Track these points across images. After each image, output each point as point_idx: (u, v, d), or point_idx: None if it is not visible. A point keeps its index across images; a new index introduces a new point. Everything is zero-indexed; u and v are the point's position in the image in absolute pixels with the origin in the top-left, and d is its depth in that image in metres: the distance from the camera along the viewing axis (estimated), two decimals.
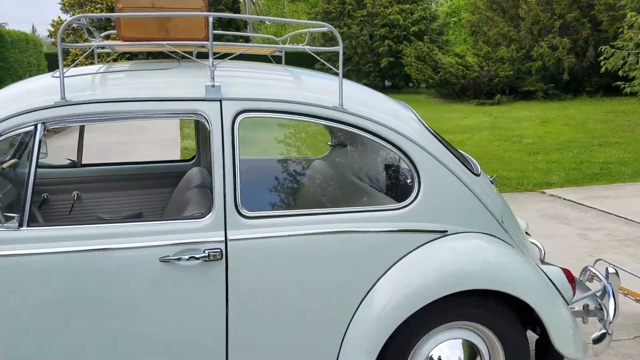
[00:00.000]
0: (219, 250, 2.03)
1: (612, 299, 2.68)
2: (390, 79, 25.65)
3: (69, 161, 3.02)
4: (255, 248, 2.12)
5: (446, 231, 2.40)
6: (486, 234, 2.52)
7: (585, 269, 3.14)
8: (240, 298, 2.11)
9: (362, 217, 2.28)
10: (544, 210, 6.49)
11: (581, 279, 3.19)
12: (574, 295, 2.65)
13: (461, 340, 2.45)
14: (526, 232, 3.28)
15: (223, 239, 2.07)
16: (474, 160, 2.94)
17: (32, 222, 2.04)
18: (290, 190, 2.95)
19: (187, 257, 1.99)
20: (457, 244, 2.41)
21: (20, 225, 1.94)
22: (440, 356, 2.41)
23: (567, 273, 2.62)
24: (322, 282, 2.20)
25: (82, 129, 2.98)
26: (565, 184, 7.85)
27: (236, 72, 2.44)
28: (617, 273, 2.86)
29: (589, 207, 6.58)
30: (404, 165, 2.41)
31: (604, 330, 2.60)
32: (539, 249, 3.49)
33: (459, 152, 3.02)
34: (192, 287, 2.03)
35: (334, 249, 2.20)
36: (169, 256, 1.99)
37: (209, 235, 2.05)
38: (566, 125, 13.29)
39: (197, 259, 2.02)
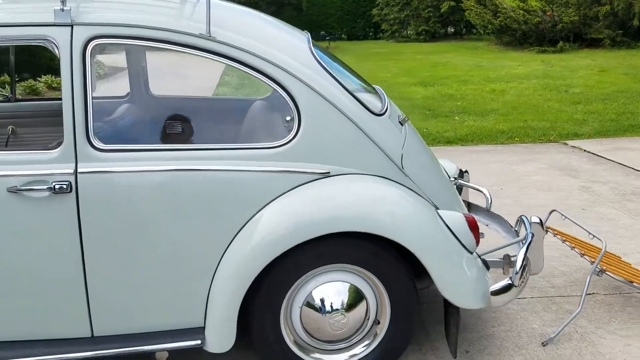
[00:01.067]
0: (67, 183, 2.05)
1: (522, 249, 2.55)
2: (452, 25, 24.65)
3: (3, 96, 3.13)
4: (108, 182, 2.09)
5: (328, 172, 2.32)
6: (378, 176, 2.42)
7: (519, 218, 3.00)
8: (94, 232, 2.10)
9: (232, 154, 2.22)
10: (557, 161, 6.16)
11: (516, 228, 3.05)
12: (477, 244, 2.54)
13: (348, 284, 2.40)
14: (456, 178, 3.14)
15: (72, 171, 2.07)
16: (387, 99, 2.80)
17: None
18: (159, 126, 2.88)
19: (35, 188, 2.03)
20: (337, 186, 2.32)
21: None
22: (323, 298, 2.38)
23: (470, 220, 2.50)
24: (185, 221, 2.17)
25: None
26: (594, 136, 7.40)
27: None
28: (541, 223, 2.71)
29: (608, 159, 6.18)
30: (284, 101, 2.29)
31: (509, 281, 2.49)
32: (486, 197, 3.35)
33: (369, 88, 2.89)
34: (41, 219, 2.06)
35: (197, 187, 2.15)
36: (16, 187, 2.04)
37: (58, 168, 2.06)
38: (625, 75, 12.39)
39: (45, 190, 2.05)
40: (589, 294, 3.29)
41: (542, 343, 2.81)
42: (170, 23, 2.19)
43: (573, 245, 3.17)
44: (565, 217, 3.27)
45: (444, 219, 2.44)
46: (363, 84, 2.87)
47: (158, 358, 2.25)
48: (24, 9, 2.23)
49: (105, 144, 2.11)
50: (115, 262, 2.16)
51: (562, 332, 2.88)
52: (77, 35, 2.06)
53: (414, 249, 2.28)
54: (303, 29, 2.85)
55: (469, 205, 3.52)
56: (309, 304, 2.36)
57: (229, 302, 2.19)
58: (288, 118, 2.28)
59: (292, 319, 2.37)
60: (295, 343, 2.39)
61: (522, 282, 2.61)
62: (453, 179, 3.17)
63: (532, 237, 2.66)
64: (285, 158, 2.25)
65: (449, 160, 3.21)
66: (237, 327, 2.25)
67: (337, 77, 2.41)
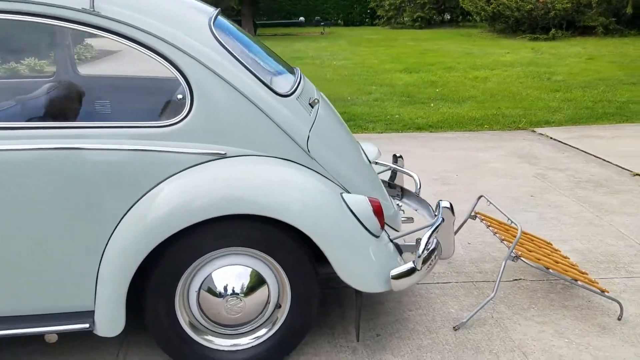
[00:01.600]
0: None
1: (427, 233, 2.53)
2: (448, 12, 24.47)
3: None
4: None
5: (225, 154, 2.30)
6: (280, 158, 2.40)
7: (438, 203, 2.99)
8: None
9: (117, 133, 2.17)
10: (520, 149, 6.13)
11: (436, 213, 3.03)
12: (382, 228, 2.52)
13: (249, 268, 2.37)
14: (377, 162, 3.12)
15: None
16: (301, 81, 2.77)
17: None
18: (33, 103, 2.76)
19: None
20: (233, 168, 2.30)
21: None
22: (221, 282, 2.35)
23: (374, 204, 2.48)
24: (68, 201, 2.15)
25: None
26: (565, 123, 7.36)
27: None
28: (451, 208, 2.70)
29: (572, 146, 6.15)
30: (175, 78, 2.25)
31: (412, 265, 2.48)
32: (415, 182, 3.33)
33: (283, 69, 2.86)
34: None
35: (79, 166, 2.13)
36: None
37: None
38: (611, 63, 12.30)
39: None
40: (516, 279, 3.29)
41: (454, 327, 2.81)
42: None
43: (495, 230, 3.15)
44: (490, 203, 3.26)
45: (347, 203, 2.42)
46: (277, 65, 2.84)
47: (47, 340, 2.25)
48: None
49: None
50: None
51: (477, 317, 2.88)
52: None
53: (309, 232, 2.27)
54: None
55: (402, 191, 3.51)
56: (207, 288, 2.34)
57: (116, 283, 2.18)
58: (179, 96, 2.25)
59: (190, 302, 2.35)
60: (192, 326, 2.38)
61: (430, 265, 2.61)
62: (375, 163, 3.14)
63: (440, 222, 2.65)
64: (177, 138, 2.23)
65: (372, 144, 3.19)
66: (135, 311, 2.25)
67: (237, 56, 2.37)
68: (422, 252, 2.47)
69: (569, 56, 13.65)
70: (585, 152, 5.93)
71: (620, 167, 5.39)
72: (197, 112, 2.26)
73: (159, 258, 2.24)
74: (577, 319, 2.90)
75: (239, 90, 2.31)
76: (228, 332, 2.42)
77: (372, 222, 2.45)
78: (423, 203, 3.28)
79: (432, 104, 8.63)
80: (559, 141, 6.41)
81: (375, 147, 3.14)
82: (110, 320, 2.21)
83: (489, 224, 3.25)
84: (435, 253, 2.68)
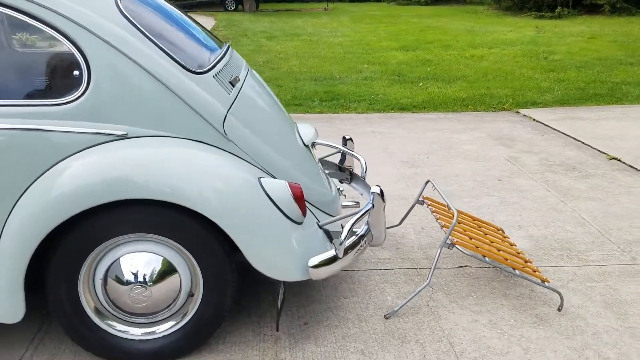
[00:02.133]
0: None
1: (351, 220, 2.44)
2: None
3: None
4: None
5: (126, 134, 2.22)
6: (189, 139, 2.31)
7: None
8: None
9: (6, 112, 2.10)
10: (498, 130, 5.99)
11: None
12: (304, 214, 2.43)
13: (159, 256, 2.29)
14: (314, 144, 3.02)
15: None
16: (226, 58, 2.66)
17: None
18: None
19: None
20: (133, 150, 2.21)
21: None
22: (129, 269, 2.27)
23: (294, 189, 2.39)
24: None
25: None
26: (553, 104, 7.19)
27: None
28: (381, 194, 2.60)
29: (553, 129, 6.00)
30: (71, 54, 2.15)
31: (333, 253, 2.40)
32: (361, 166, 3.24)
33: (207, 44, 2.76)
34: None
35: None
36: None
37: None
38: (613, 42, 12.01)
39: None
40: (461, 266, 3.20)
41: (385, 316, 2.73)
42: None
43: (438, 216, 3.06)
44: (435, 188, 3.16)
45: (265, 188, 2.33)
46: (202, 41, 2.73)
47: None
48: None
49: None
50: None
51: (411, 306, 2.81)
52: None
53: (214, 217, 2.18)
54: None
55: (352, 175, 3.42)
56: (113, 275, 2.27)
57: (12, 267, 2.12)
58: (76, 73, 2.16)
59: (95, 288, 2.29)
60: (98, 312, 2.32)
61: (358, 252, 2.53)
62: (311, 145, 3.04)
63: (368, 208, 2.56)
64: (73, 117, 2.14)
65: (309, 125, 3.08)
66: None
67: (145, 30, 2.26)
68: (344, 239, 2.38)
69: (571, 35, 13.35)
70: (565, 134, 5.79)
71: (598, 150, 5.25)
72: (95, 89, 2.16)
73: (61, 241, 2.17)
74: (515, 308, 2.81)
75: (142, 66, 2.20)
76: (139, 320, 2.36)
77: (292, 208, 2.36)
78: (368, 188, 3.19)
79: (420, 84, 8.47)
80: (541, 123, 6.26)
81: (313, 128, 3.04)
82: (8, 306, 2.15)
83: (433, 209, 3.15)
84: (365, 239, 2.61)
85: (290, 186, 2.38)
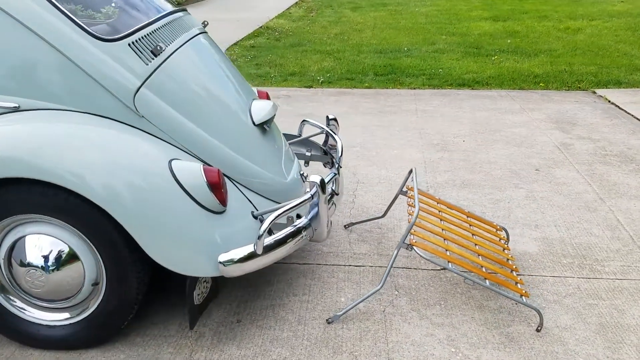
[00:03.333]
0: None
1: (275, 212, 2.15)
2: None
3: None
4: None
5: (17, 106, 2.06)
6: (91, 114, 2.12)
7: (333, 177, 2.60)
8: None
9: None
10: (560, 112, 5.31)
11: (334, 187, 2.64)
12: (221, 202, 2.17)
13: (60, 241, 2.13)
14: (266, 123, 2.70)
15: None
16: (147, 23, 2.38)
17: None
18: None
19: None
20: (18, 124, 2.04)
21: None
22: (28, 251, 2.13)
23: (209, 175, 2.12)
24: None
25: None
26: (638, 85, 6.28)
27: None
28: (321, 185, 2.27)
29: (627, 112, 5.23)
30: None
31: (252, 249, 2.13)
32: (336, 149, 2.93)
33: (132, 5, 2.51)
34: None
35: None
36: None
37: None
38: None
39: None
40: (444, 269, 2.79)
41: (327, 320, 2.43)
42: None
43: (409, 212, 2.67)
44: (413, 179, 2.76)
45: (174, 171, 2.10)
46: (131, 3, 2.50)
47: None
48: None
49: None
50: None
51: (366, 310, 2.49)
52: None
53: (100, 202, 1.98)
54: None
55: (332, 161, 3.07)
56: (14, 256, 2.16)
57: None
58: None
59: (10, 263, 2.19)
60: (2, 289, 2.22)
61: (289, 248, 2.25)
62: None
63: (303, 200, 2.25)
64: None
65: (268, 102, 2.74)
66: None
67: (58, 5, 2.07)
68: (262, 234, 2.10)
69: None
70: (639, 119, 5.00)
71: None
72: None
73: None
74: (485, 324, 2.40)
75: (36, 32, 2.02)
76: (45, 305, 2.23)
77: (206, 196, 2.11)
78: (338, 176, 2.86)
79: (495, 57, 7.76)
80: (616, 105, 5.47)
81: (269, 105, 2.70)
82: None
83: (411, 202, 2.76)
84: (304, 235, 2.31)
85: (204, 170, 2.12)
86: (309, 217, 2.31)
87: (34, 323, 2.24)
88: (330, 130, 3.04)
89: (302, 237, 2.30)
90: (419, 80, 6.65)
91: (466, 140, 4.61)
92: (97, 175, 1.99)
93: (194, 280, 2.17)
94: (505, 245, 2.78)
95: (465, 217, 2.89)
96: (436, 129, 4.89)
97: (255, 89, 3.13)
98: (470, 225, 2.82)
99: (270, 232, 2.31)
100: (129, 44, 2.19)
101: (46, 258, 2.14)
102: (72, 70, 2.07)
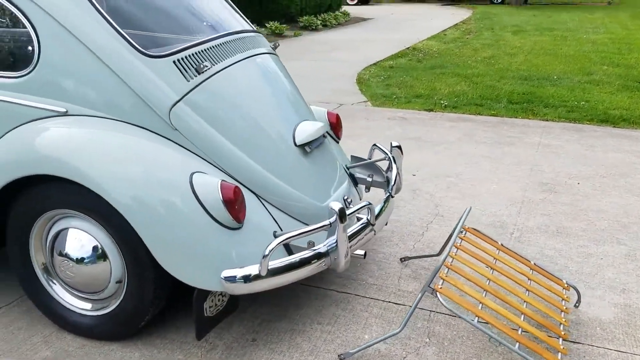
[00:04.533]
0: None
1: (283, 236, 2.11)
2: None
3: None
4: None
5: (66, 111, 2.24)
6: (129, 123, 2.24)
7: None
8: None
9: None
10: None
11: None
12: (237, 218, 2.17)
13: (93, 238, 2.27)
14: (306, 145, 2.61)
15: None
16: (199, 42, 2.44)
17: None
18: None
19: None
20: (63, 128, 2.21)
21: None
22: (68, 242, 2.31)
23: (225, 191, 2.13)
24: None
25: None
26: None
27: None
28: (340, 213, 2.19)
29: None
30: (27, 31, 2.23)
31: (256, 271, 2.10)
32: (389, 178, 2.81)
33: (191, 22, 2.59)
34: None
35: None
36: None
37: None
38: None
39: None
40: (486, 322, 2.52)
41: (339, 355, 2.31)
42: None
43: (453, 255, 2.45)
44: (464, 217, 2.53)
45: (194, 185, 2.15)
46: (190, 21, 2.61)
47: None
48: None
49: None
50: None
51: (386, 352, 2.32)
52: None
53: (117, 205, 2.08)
54: None
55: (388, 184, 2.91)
56: (56, 245, 2.34)
57: None
58: (29, 49, 2.25)
59: (45, 254, 2.39)
60: (46, 271, 2.42)
61: (300, 273, 2.19)
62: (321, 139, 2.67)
63: (318, 227, 2.17)
64: (25, 90, 2.25)
65: (316, 123, 2.65)
66: None
67: (102, 11, 2.23)
68: (267, 255, 2.06)
69: None
70: None
71: None
72: (43, 65, 2.23)
73: (13, 206, 2.32)
74: None
75: (87, 45, 2.19)
76: (79, 294, 2.40)
77: (220, 211, 2.13)
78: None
79: None
80: None
81: (316, 126, 2.61)
82: None
83: (459, 244, 2.53)
84: (321, 261, 2.23)
85: (221, 186, 2.14)
86: (327, 245, 2.22)
87: (67, 308, 2.42)
88: (393, 157, 2.91)
89: (318, 263, 2.22)
90: (556, 112, 6.11)
91: (582, 183, 4.13)
92: (118, 181, 2.10)
93: (204, 291, 2.18)
94: (564, 307, 2.43)
95: (527, 269, 2.58)
96: (552, 167, 4.45)
97: (325, 110, 3.11)
98: (528, 280, 2.51)
99: (290, 253, 2.27)
100: (174, 61, 2.29)
101: (79, 252, 2.30)
102: (115, 82, 2.21)
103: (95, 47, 2.20)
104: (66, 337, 2.44)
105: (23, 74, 2.26)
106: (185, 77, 2.30)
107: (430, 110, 6.25)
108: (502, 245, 2.65)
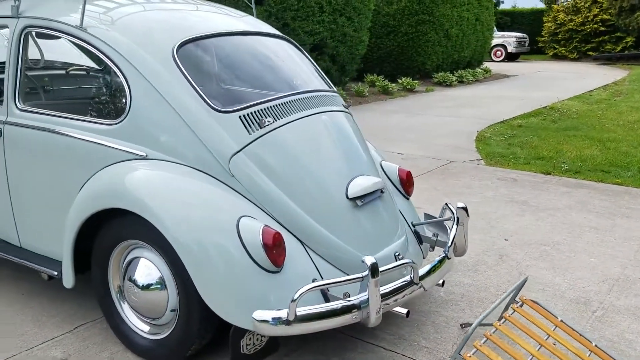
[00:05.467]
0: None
1: (310, 285, 2.20)
2: None
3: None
4: (14, 132, 2.84)
5: (145, 155, 2.54)
6: (195, 169, 2.50)
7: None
8: (10, 170, 2.91)
9: (83, 126, 2.68)
10: None
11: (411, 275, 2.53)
12: (275, 263, 2.31)
13: (159, 272, 2.51)
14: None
15: (3, 120, 2.90)
16: (267, 99, 2.67)
17: None
18: (51, 94, 3.44)
19: None
20: (141, 170, 2.50)
21: None
22: (136, 270, 2.57)
23: (266, 236, 2.28)
24: (52, 170, 2.77)
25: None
26: None
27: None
28: (372, 268, 2.23)
29: None
30: (122, 85, 2.60)
31: (284, 316, 2.20)
32: (448, 237, 2.80)
33: (266, 83, 2.80)
34: None
35: (55, 144, 2.74)
36: None
37: None
38: None
39: None
40: None
41: None
42: (56, 14, 2.78)
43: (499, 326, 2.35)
44: (517, 287, 2.43)
45: (239, 228, 2.34)
46: (266, 82, 2.83)
47: (43, 277, 2.96)
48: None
49: (23, 104, 2.90)
50: (22, 191, 2.92)
51: None
52: (18, 25, 2.88)
53: (173, 242, 2.30)
54: None
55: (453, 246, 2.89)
56: (129, 271, 2.61)
57: (66, 242, 2.68)
58: (123, 101, 2.60)
59: (121, 281, 2.67)
60: (119, 294, 2.69)
61: (330, 323, 2.26)
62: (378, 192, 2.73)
63: (349, 279, 2.24)
64: (115, 135, 2.60)
65: (372, 177, 2.70)
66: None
67: (184, 71, 2.54)
68: (295, 300, 2.16)
69: None
70: None
71: None
72: (132, 116, 2.57)
73: (98, 234, 2.66)
74: None
75: (172, 105, 2.51)
76: (141, 317, 2.65)
77: (260, 254, 2.28)
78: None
79: None
80: None
81: (372, 180, 2.68)
82: (65, 272, 2.73)
83: (507, 314, 2.42)
84: (353, 314, 2.28)
85: (263, 231, 2.30)
86: (359, 298, 2.26)
87: (132, 329, 2.67)
88: (458, 217, 2.88)
89: (350, 316, 2.26)
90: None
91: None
92: (177, 220, 2.34)
93: (241, 329, 2.32)
94: None
95: (586, 351, 2.40)
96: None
97: (396, 167, 3.18)
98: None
99: (327, 300, 2.34)
100: (240, 116, 2.54)
101: (145, 279, 2.56)
102: (187, 132, 2.50)
103: (174, 102, 2.52)
104: (129, 356, 2.69)
105: (117, 122, 2.63)
106: (248, 131, 2.52)
107: (548, 173, 5.96)
108: (562, 321, 2.49)
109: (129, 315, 2.69)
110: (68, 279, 2.73)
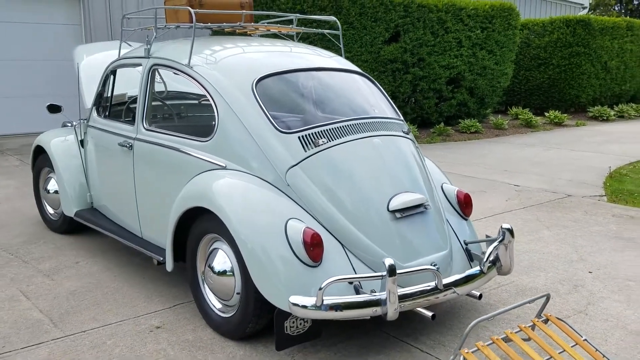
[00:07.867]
0: (131, 143, 3.73)
1: (335, 277, 2.62)
2: None
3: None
4: (141, 146, 3.63)
5: (224, 166, 3.13)
6: (259, 178, 3.04)
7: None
8: (137, 176, 3.69)
9: (186, 142, 3.38)
10: None
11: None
12: (314, 259, 2.75)
13: (229, 260, 3.05)
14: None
15: (134, 137, 3.72)
16: (325, 123, 3.14)
17: None
18: (168, 117, 4.30)
19: (124, 145, 3.80)
20: (219, 177, 3.06)
21: None
22: (215, 258, 3.11)
23: (305, 235, 2.73)
24: (164, 175, 3.46)
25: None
26: None
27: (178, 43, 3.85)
28: (389, 269, 2.60)
29: None
30: (213, 110, 3.24)
31: (313, 301, 2.64)
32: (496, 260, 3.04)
33: (329, 111, 3.26)
34: (124, 163, 3.82)
35: (169, 156, 3.46)
36: (119, 143, 3.85)
37: (131, 135, 3.75)
38: None
39: (125, 146, 3.78)
40: None
41: None
42: (175, 55, 3.57)
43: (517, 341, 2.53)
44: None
45: (287, 227, 2.82)
46: (328, 111, 3.31)
47: (154, 262, 3.68)
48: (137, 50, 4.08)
49: (148, 125, 3.71)
50: (145, 197, 3.72)
51: None
52: (147, 64, 3.73)
53: (237, 239, 2.84)
54: None
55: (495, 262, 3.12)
56: (209, 260, 3.18)
57: (168, 233, 3.35)
58: (213, 123, 3.25)
59: (206, 262, 3.25)
60: (204, 278, 3.25)
61: (355, 313, 2.66)
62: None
63: (370, 276, 2.60)
64: (206, 150, 3.26)
65: (413, 194, 3.01)
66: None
67: (260, 101, 3.14)
68: (322, 288, 2.59)
69: None
70: None
71: None
72: (218, 134, 3.22)
73: (191, 228, 3.31)
74: None
75: (246, 126, 3.12)
76: (218, 298, 3.22)
77: (300, 250, 2.74)
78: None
79: None
80: None
81: (414, 197, 3.00)
82: (167, 258, 3.39)
83: (523, 325, 2.59)
84: (374, 308, 2.65)
85: (304, 231, 2.76)
86: (379, 294, 2.60)
87: (210, 308, 3.24)
88: (502, 237, 3.08)
89: (371, 309, 2.62)
90: None
91: None
92: (238, 217, 2.89)
93: (284, 312, 2.75)
94: None
95: None
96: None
97: (455, 189, 3.47)
98: None
99: (357, 292, 2.73)
100: (299, 137, 3.06)
101: (219, 266, 3.12)
102: (256, 148, 3.08)
103: (248, 124, 3.13)
104: (208, 331, 3.26)
105: (208, 139, 3.29)
106: (304, 148, 3.02)
107: None
108: (585, 340, 2.58)
109: (210, 296, 3.27)
110: (169, 264, 3.40)
